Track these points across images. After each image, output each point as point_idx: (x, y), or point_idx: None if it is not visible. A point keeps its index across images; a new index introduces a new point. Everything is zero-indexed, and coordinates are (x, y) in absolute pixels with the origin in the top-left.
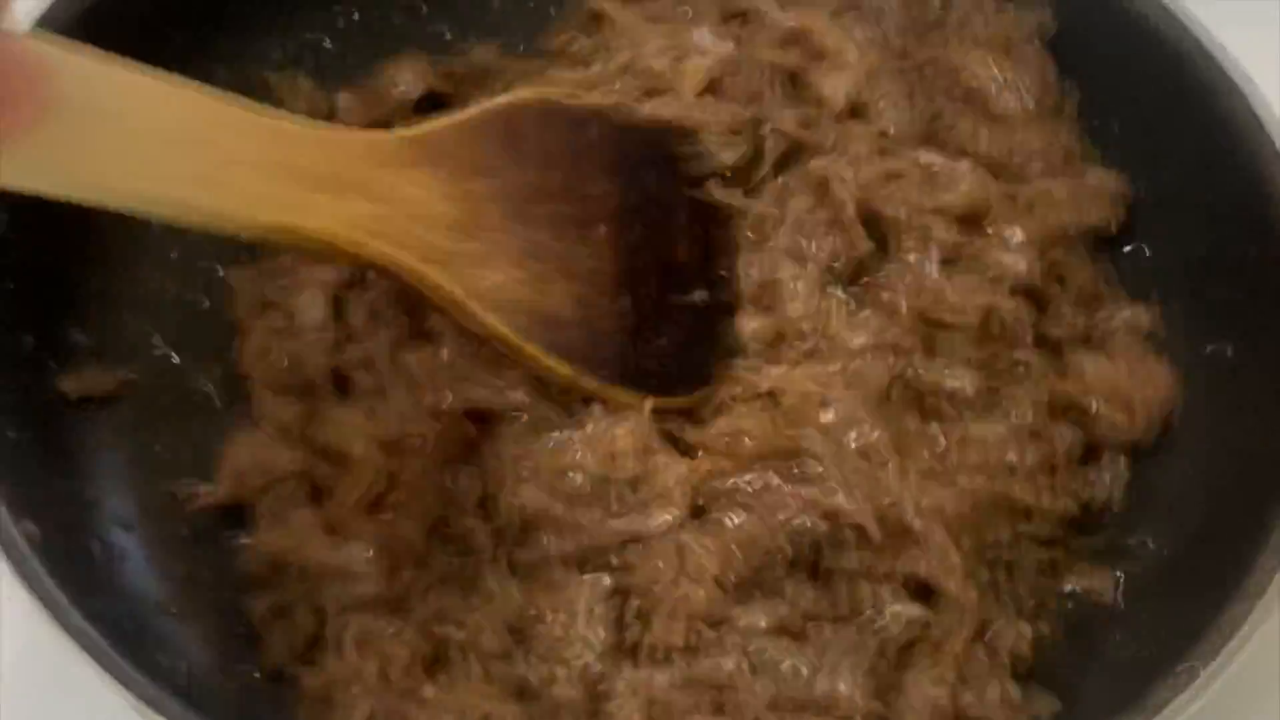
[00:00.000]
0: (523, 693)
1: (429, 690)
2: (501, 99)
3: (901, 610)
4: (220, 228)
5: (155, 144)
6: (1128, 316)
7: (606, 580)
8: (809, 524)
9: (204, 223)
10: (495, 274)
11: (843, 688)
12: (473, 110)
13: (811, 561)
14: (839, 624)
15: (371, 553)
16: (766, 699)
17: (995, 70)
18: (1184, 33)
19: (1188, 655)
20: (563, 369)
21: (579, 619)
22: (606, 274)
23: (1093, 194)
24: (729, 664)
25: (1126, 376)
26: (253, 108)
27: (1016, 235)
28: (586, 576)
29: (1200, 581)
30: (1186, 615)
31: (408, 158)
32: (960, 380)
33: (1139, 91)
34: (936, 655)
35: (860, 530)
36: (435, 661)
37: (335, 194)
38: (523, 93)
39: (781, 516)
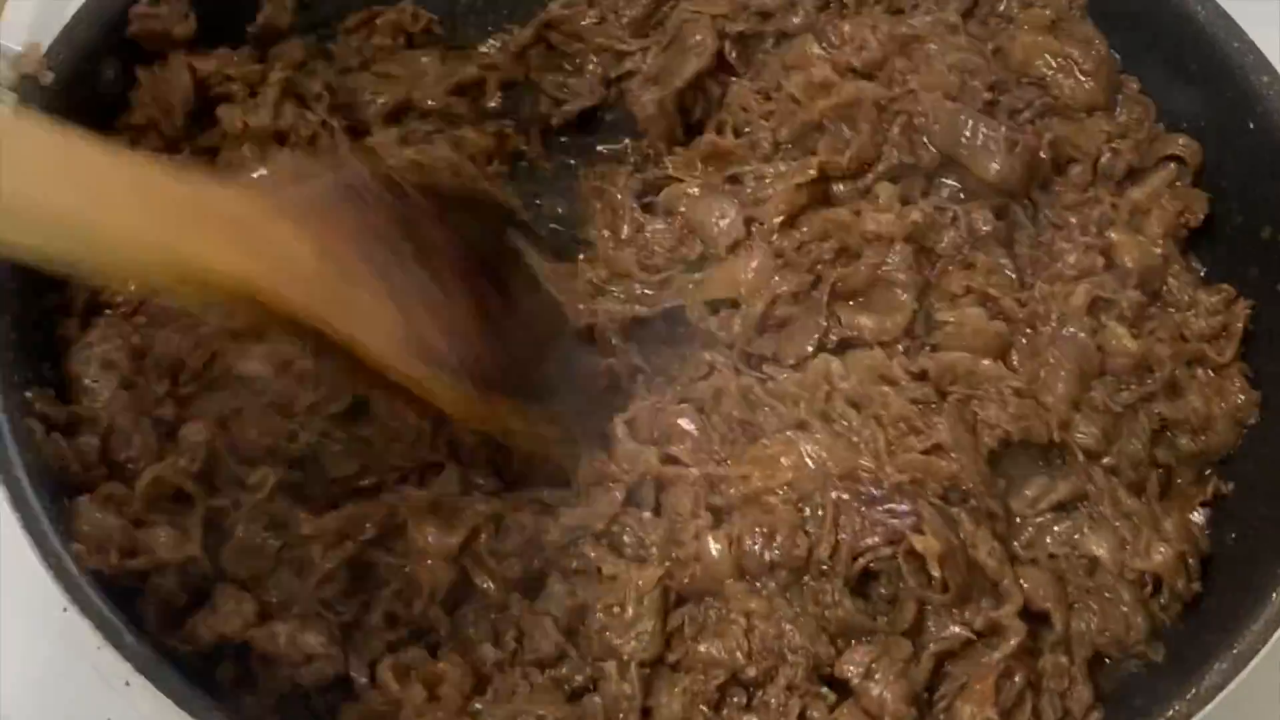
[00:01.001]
0: (573, 694)
1: (479, 703)
2: (348, 168)
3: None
4: (114, 265)
5: (34, 184)
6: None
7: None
8: None
9: (90, 259)
10: (376, 319)
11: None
12: (324, 177)
13: None
14: None
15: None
16: None
17: (1054, 58)
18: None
19: None
20: (457, 394)
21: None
22: (471, 317)
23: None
24: None
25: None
26: (147, 163)
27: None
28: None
29: None
30: None
31: (279, 213)
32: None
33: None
34: None
35: None
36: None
37: (231, 240)
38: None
39: None
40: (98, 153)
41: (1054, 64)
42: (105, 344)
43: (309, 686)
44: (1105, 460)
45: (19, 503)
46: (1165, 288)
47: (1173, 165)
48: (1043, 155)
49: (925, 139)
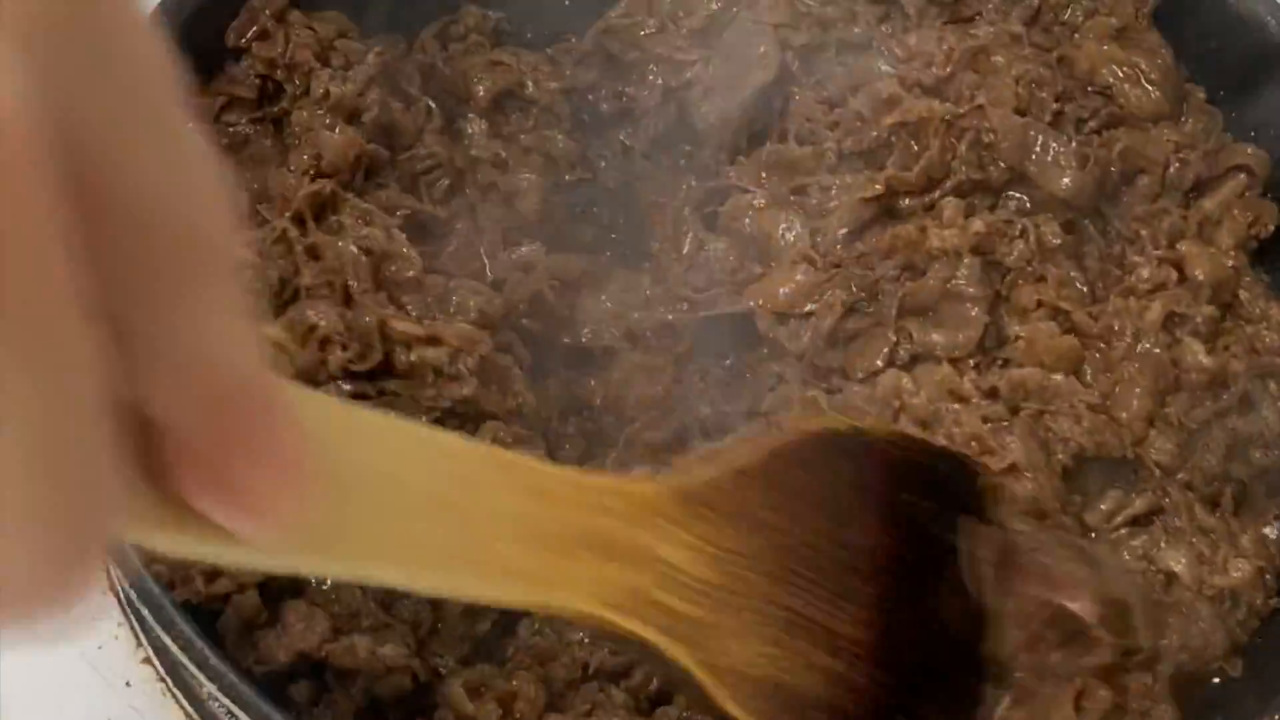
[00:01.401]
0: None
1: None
2: (785, 434)
3: None
4: (469, 600)
5: (410, 512)
6: None
7: None
8: None
9: (453, 595)
10: (744, 650)
11: None
12: (752, 453)
13: None
14: None
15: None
16: None
17: (1120, 67)
18: None
19: None
20: None
21: None
22: (868, 645)
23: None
24: None
25: None
26: (503, 455)
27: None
28: None
29: None
30: None
31: (671, 513)
32: None
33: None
34: None
35: None
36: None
37: (586, 560)
38: (807, 423)
39: None
40: (465, 462)
41: (1120, 73)
42: None
43: (387, 699)
44: (1180, 475)
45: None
46: (1237, 300)
47: (1242, 176)
48: (1112, 169)
49: (994, 155)
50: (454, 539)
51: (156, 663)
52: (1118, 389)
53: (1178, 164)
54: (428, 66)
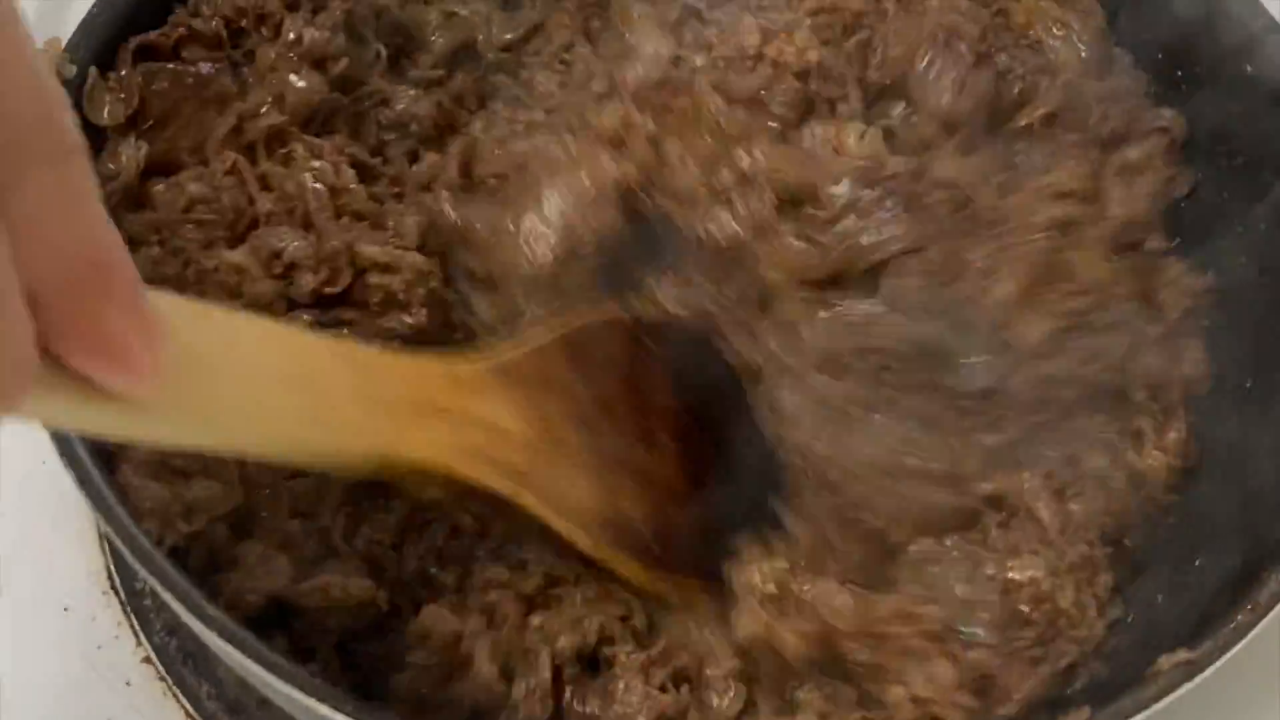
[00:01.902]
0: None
1: (537, 619)
2: (572, 323)
3: None
4: (325, 464)
5: (264, 387)
6: None
7: None
8: None
9: (310, 461)
10: (572, 489)
11: None
12: (545, 336)
13: None
14: None
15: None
16: None
17: (1054, 24)
18: None
19: None
20: (638, 574)
21: None
22: (678, 482)
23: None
24: None
25: None
26: (340, 343)
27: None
28: None
29: None
30: None
31: (485, 385)
32: None
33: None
34: None
35: None
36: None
37: (425, 420)
38: (589, 314)
39: None
40: (301, 343)
41: (1053, 29)
42: None
43: (359, 632)
44: (1043, 367)
45: (86, 483)
46: (1141, 246)
47: (1164, 137)
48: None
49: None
50: (307, 405)
51: (157, 662)
52: (996, 270)
53: (1098, 115)
54: (380, 9)
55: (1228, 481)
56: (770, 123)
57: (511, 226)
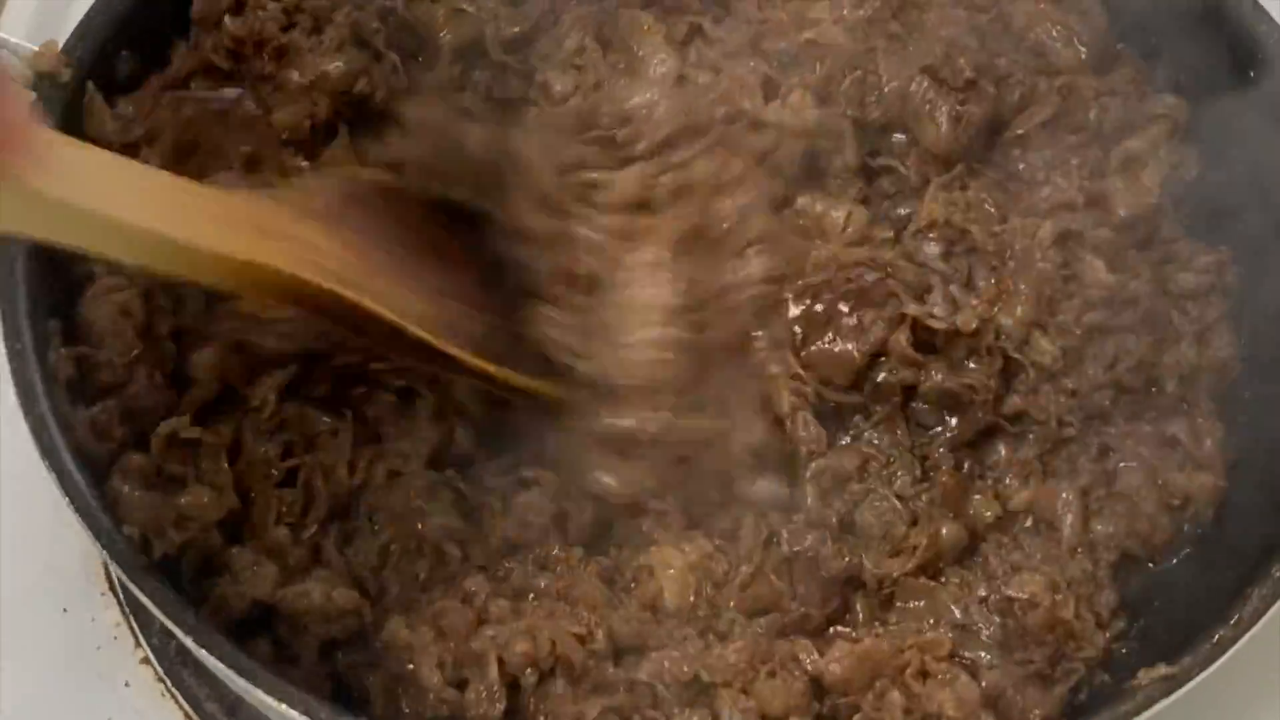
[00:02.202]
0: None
1: (489, 630)
2: (347, 174)
3: None
4: (193, 268)
5: (133, 195)
6: None
7: None
8: None
9: (178, 264)
10: (399, 297)
11: None
12: (329, 181)
13: None
14: None
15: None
16: None
17: (1054, 26)
18: None
19: None
20: (486, 365)
21: None
22: (471, 293)
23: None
24: None
25: None
26: (189, 181)
27: None
28: None
29: None
30: None
31: (300, 214)
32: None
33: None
34: None
35: None
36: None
37: (264, 238)
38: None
39: None
40: (166, 179)
41: (1053, 31)
42: (120, 292)
43: (340, 641)
44: (1066, 381)
45: (72, 493)
46: (1157, 236)
47: (1166, 124)
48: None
49: (877, 98)
50: (163, 212)
51: (156, 663)
52: (1003, 297)
53: (1098, 109)
54: (386, 11)
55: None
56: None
57: None
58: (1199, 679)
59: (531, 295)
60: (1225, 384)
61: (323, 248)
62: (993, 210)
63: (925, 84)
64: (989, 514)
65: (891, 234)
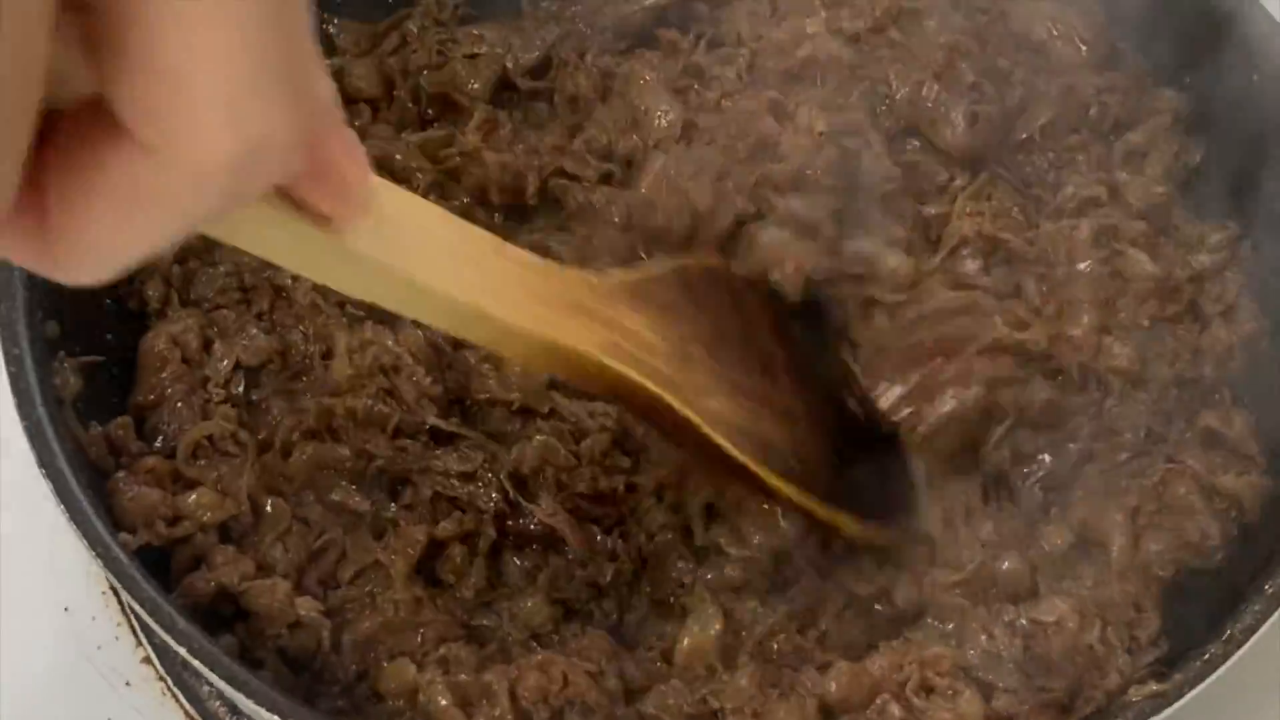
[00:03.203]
0: None
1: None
2: (677, 260)
3: None
4: (500, 341)
5: (448, 257)
6: None
7: None
8: None
9: (486, 335)
10: (713, 401)
11: None
12: (660, 266)
13: None
14: None
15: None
16: None
17: (1054, 24)
18: None
19: None
20: (782, 485)
21: None
22: (797, 414)
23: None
24: None
25: None
26: (499, 239)
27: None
28: None
29: None
30: None
31: (621, 296)
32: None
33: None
34: None
35: None
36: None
37: (583, 319)
38: (694, 259)
39: None
40: (484, 239)
41: (1054, 30)
42: (179, 324)
43: (292, 654)
44: (1142, 394)
45: (63, 494)
46: (1170, 224)
47: (1166, 115)
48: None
49: (889, 106)
50: (477, 278)
51: (156, 662)
52: (1064, 309)
53: (1098, 106)
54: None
55: None
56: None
57: None
58: (1190, 696)
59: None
60: (1255, 363)
61: (639, 335)
62: (1020, 217)
63: (936, 89)
64: (1058, 542)
65: (937, 261)
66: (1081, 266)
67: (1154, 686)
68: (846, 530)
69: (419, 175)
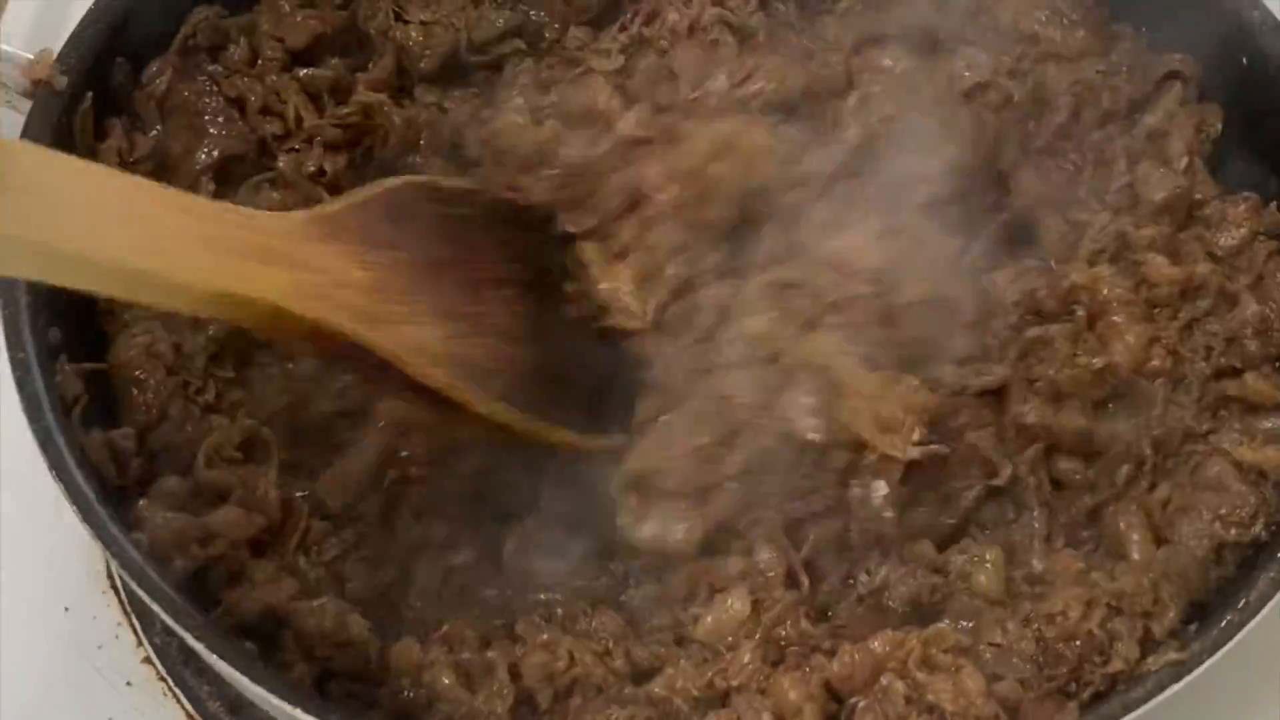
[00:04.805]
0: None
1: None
2: (388, 182)
3: None
4: (171, 299)
5: (104, 220)
6: None
7: None
8: None
9: (155, 296)
10: (419, 331)
11: None
12: (364, 192)
13: None
14: None
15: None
16: None
17: (1041, 12)
18: None
19: None
20: (497, 410)
21: None
22: (515, 330)
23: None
24: None
25: None
26: (182, 194)
27: None
28: None
29: None
30: None
31: (317, 234)
32: None
33: None
34: None
35: None
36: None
37: (265, 264)
38: (406, 176)
39: None
40: (149, 194)
41: (1042, 17)
42: (147, 335)
43: (341, 672)
44: (1179, 396)
45: (86, 512)
46: (1195, 206)
47: (1177, 84)
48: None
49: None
50: (138, 239)
51: (157, 662)
52: (1107, 328)
53: (1109, 91)
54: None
55: None
56: None
57: None
58: (1209, 663)
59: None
60: None
61: (334, 270)
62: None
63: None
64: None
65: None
66: (1107, 281)
67: (1173, 655)
68: (564, 444)
69: None
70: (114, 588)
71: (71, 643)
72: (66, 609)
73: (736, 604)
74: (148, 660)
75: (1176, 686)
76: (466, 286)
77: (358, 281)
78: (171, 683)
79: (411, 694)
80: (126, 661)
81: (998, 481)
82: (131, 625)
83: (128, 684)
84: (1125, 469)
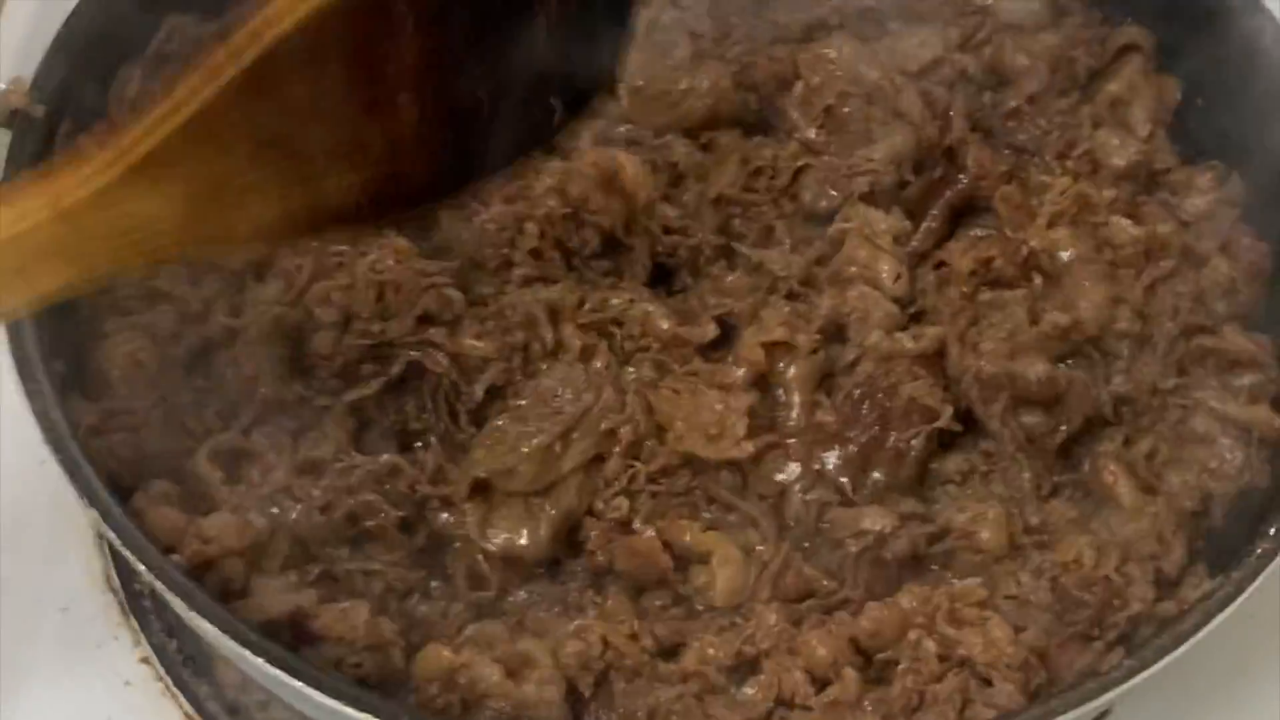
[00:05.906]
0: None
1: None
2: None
3: None
4: None
5: None
6: None
7: None
8: None
9: None
10: (248, 212)
11: None
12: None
13: None
14: None
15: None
16: None
17: None
18: None
19: None
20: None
21: None
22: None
23: None
24: None
25: None
26: None
27: None
28: None
29: None
30: None
31: (133, 176)
32: None
33: None
34: None
35: None
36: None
37: (47, 260)
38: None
39: None
40: None
41: None
42: (131, 343)
43: (367, 678)
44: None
45: (93, 499)
46: (1158, 173)
47: (1136, 56)
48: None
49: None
50: None
51: (156, 663)
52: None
53: (1066, 62)
54: None
55: None
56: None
57: None
58: (1250, 590)
59: None
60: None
61: (143, 214)
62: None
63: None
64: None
65: (933, 278)
66: (1070, 243)
67: (1208, 585)
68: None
69: None
70: (113, 588)
71: (70, 643)
72: (65, 609)
73: (731, 551)
74: (146, 660)
75: (1222, 615)
76: (340, 134)
77: (178, 214)
78: (170, 683)
79: (443, 700)
80: (125, 661)
81: (940, 424)
82: (130, 626)
83: (126, 684)
84: (1086, 418)
